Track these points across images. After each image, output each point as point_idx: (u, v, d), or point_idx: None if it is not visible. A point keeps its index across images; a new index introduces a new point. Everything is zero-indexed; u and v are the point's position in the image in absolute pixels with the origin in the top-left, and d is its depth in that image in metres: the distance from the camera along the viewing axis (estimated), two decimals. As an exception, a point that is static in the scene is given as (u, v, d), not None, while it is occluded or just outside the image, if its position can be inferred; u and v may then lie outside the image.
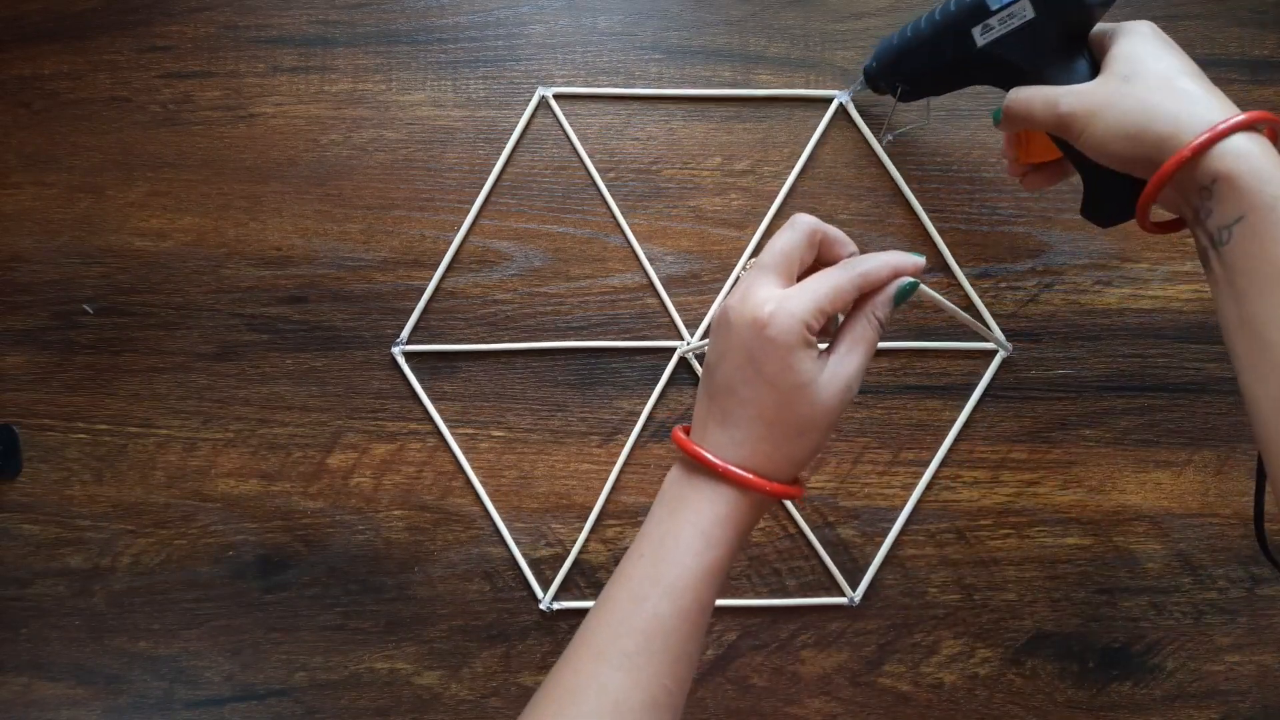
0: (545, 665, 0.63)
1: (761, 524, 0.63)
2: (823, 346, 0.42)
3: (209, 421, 0.64)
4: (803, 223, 0.42)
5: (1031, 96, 0.47)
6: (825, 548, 0.63)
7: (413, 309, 0.64)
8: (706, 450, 0.41)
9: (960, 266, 0.63)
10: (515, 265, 0.64)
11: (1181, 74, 0.43)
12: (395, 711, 0.63)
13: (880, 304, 0.42)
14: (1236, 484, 0.62)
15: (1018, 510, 0.63)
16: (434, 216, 0.64)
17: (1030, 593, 0.62)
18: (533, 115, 0.64)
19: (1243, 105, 0.62)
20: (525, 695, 0.62)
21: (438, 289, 0.64)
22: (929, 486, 0.63)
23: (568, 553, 0.63)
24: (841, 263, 0.43)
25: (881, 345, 0.63)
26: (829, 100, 0.64)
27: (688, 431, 0.44)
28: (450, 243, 0.64)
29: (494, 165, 0.64)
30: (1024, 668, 0.62)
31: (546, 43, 0.65)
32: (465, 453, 0.63)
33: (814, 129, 0.64)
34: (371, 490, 0.64)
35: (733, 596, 0.62)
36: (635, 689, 0.39)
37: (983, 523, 0.63)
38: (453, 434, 0.64)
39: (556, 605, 0.62)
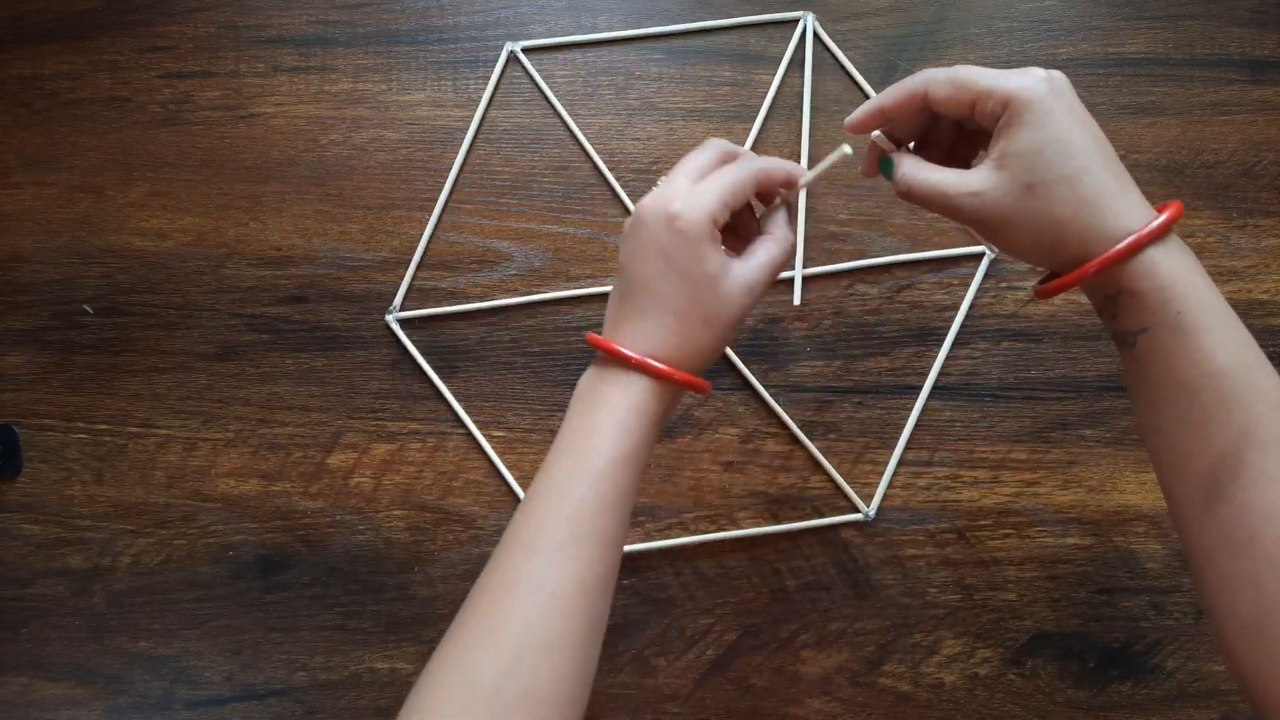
0: (545, 665, 0.63)
1: (761, 523, 0.63)
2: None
3: (209, 421, 0.64)
4: (713, 143, 0.45)
5: (928, 190, 0.42)
6: (825, 548, 0.63)
7: (413, 309, 0.64)
8: (620, 345, 0.43)
9: (960, 266, 0.63)
10: (515, 265, 0.64)
11: (1086, 171, 0.39)
12: (395, 711, 0.63)
13: (783, 226, 0.45)
14: (1236, 484, 0.62)
15: (1018, 510, 0.63)
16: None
17: (1030, 593, 0.62)
18: (502, 72, 0.65)
19: (1242, 105, 0.63)
20: (525, 695, 0.62)
21: (437, 288, 0.64)
22: (928, 486, 0.63)
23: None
24: (740, 160, 0.45)
25: (870, 261, 0.63)
26: (795, 23, 0.64)
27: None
28: (450, 242, 0.64)
29: (494, 165, 0.65)
30: (1024, 668, 0.62)
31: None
32: (468, 451, 0.64)
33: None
34: (371, 490, 0.64)
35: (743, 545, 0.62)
36: (566, 575, 0.40)
37: (983, 523, 0.63)
38: (453, 434, 0.64)
39: None
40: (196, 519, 0.64)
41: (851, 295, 0.63)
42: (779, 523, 0.63)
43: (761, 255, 0.44)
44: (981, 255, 0.63)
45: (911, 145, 0.46)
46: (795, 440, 0.63)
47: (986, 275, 0.63)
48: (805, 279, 0.63)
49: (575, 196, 0.64)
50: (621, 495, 0.42)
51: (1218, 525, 0.38)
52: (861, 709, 0.62)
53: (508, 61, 0.65)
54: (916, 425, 0.63)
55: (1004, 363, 0.63)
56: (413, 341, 0.64)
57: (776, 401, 0.63)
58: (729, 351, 0.63)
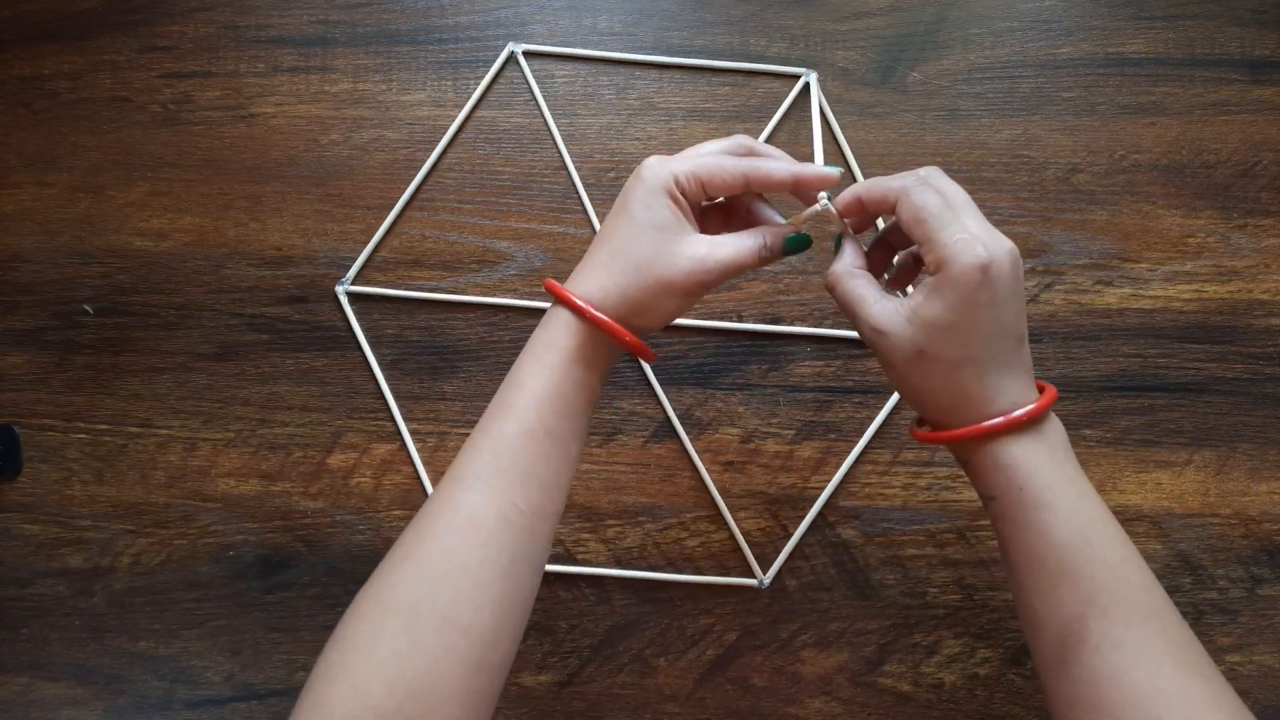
0: (545, 665, 0.63)
1: (761, 523, 0.63)
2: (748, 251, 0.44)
3: (209, 421, 0.64)
4: (738, 136, 0.46)
5: (845, 298, 0.44)
6: (825, 548, 0.63)
7: (413, 308, 0.64)
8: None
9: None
10: (515, 265, 0.64)
11: (972, 362, 0.41)
12: (395, 711, 0.63)
13: (775, 235, 0.44)
14: (1236, 484, 0.62)
15: (1018, 510, 0.63)
16: (434, 216, 0.64)
17: (1030, 593, 0.62)
18: (500, 70, 0.65)
19: (1242, 105, 0.63)
20: (524, 695, 0.62)
21: (438, 289, 0.64)
22: (927, 486, 0.63)
23: (568, 553, 0.63)
24: (738, 140, 0.45)
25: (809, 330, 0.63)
26: (796, 78, 0.64)
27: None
28: (450, 242, 0.64)
29: (494, 164, 0.65)
30: (1024, 668, 0.62)
31: (547, 43, 0.65)
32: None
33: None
34: (371, 490, 0.64)
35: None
36: (486, 505, 0.40)
37: (983, 523, 0.63)
38: (453, 434, 0.64)
39: None
40: (196, 519, 0.64)
41: (851, 295, 0.63)
42: (779, 521, 0.63)
43: (729, 237, 0.43)
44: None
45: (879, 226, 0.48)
46: (795, 440, 0.63)
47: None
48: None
49: (575, 197, 0.64)
50: (548, 432, 0.42)
51: (1068, 685, 0.39)
52: (861, 709, 0.62)
53: (506, 61, 0.65)
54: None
55: (1004, 363, 0.63)
56: (414, 342, 0.64)
57: (777, 401, 0.63)
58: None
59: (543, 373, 0.42)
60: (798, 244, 0.44)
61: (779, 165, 0.43)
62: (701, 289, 0.43)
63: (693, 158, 0.43)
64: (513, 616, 0.40)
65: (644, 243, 0.42)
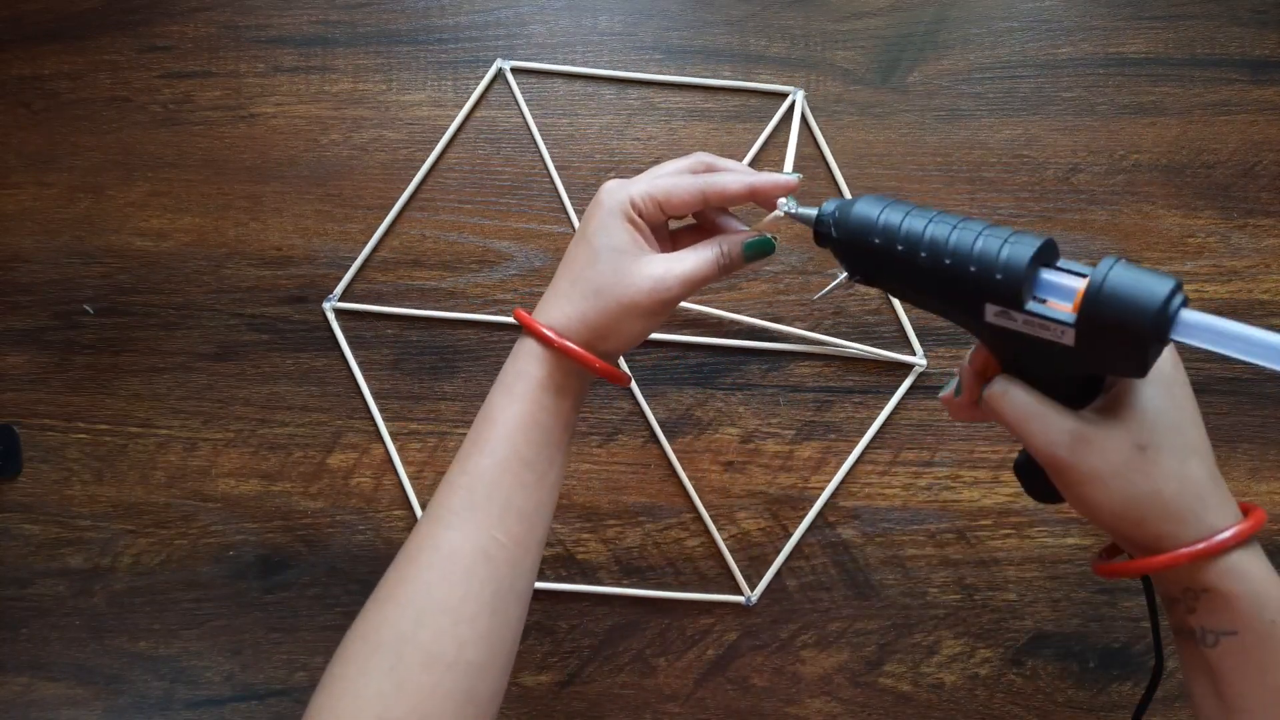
0: (545, 665, 0.63)
1: (761, 524, 0.63)
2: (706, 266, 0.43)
3: (209, 421, 0.64)
4: (698, 154, 0.45)
5: (1026, 414, 0.38)
6: (825, 548, 0.63)
7: (413, 308, 0.64)
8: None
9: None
10: (515, 265, 0.64)
11: (1195, 453, 0.37)
12: (395, 711, 0.63)
13: (732, 243, 0.43)
14: (1236, 484, 0.62)
15: (1018, 510, 0.63)
16: (434, 216, 0.64)
17: (1030, 593, 0.62)
18: (489, 86, 0.65)
19: (1242, 105, 0.63)
20: (524, 695, 0.62)
21: (438, 289, 0.64)
22: (928, 486, 0.63)
23: (568, 553, 0.63)
24: (698, 158, 0.45)
25: (805, 349, 0.63)
26: (784, 95, 0.64)
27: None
28: (450, 242, 0.64)
29: (494, 164, 0.65)
30: (1024, 668, 0.62)
31: (546, 42, 0.65)
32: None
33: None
34: (371, 490, 0.64)
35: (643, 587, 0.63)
36: (465, 540, 0.40)
37: (983, 523, 0.63)
38: (453, 434, 0.64)
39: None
40: (196, 519, 0.64)
41: (852, 295, 0.63)
42: (779, 521, 0.63)
43: (686, 251, 0.43)
44: (910, 368, 0.63)
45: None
46: (795, 440, 0.63)
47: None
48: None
49: (576, 197, 0.64)
50: (523, 462, 0.42)
51: None
52: (861, 709, 0.62)
53: (495, 78, 0.65)
54: (917, 425, 0.63)
55: (1004, 363, 0.63)
56: (414, 342, 0.64)
57: (777, 401, 0.63)
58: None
59: (513, 404, 0.42)
60: (759, 249, 0.44)
61: (734, 177, 0.43)
62: (665, 307, 0.43)
63: (649, 179, 0.43)
64: (500, 648, 0.41)
65: (603, 267, 0.42)
